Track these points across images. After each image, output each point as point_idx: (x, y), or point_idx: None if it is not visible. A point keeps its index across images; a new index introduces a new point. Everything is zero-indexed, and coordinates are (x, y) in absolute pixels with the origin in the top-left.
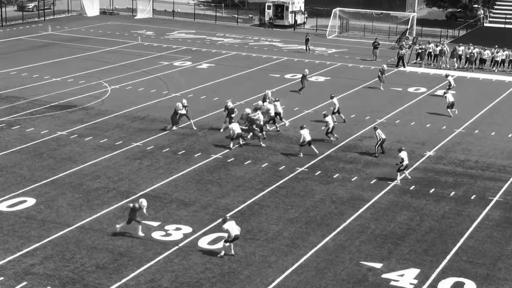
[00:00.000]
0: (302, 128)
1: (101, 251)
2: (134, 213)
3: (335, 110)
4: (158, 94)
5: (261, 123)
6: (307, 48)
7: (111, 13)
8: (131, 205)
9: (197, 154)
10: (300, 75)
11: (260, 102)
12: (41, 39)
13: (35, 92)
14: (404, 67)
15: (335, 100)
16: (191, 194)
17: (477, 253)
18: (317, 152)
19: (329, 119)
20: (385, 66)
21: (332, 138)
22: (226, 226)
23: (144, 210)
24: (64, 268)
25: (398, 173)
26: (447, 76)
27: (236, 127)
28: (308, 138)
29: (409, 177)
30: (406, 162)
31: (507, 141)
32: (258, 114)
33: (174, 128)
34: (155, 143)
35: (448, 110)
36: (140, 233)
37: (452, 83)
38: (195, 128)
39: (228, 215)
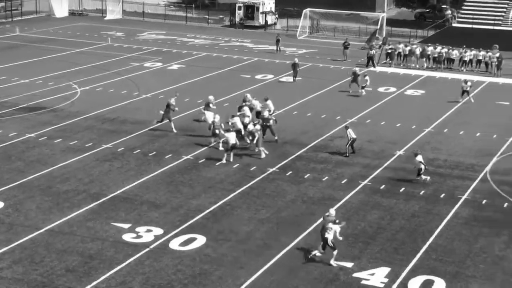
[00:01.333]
0: (228, 131)
1: (71, 254)
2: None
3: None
4: (129, 95)
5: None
6: (278, 49)
7: (80, 14)
8: (338, 226)
9: (168, 155)
10: (271, 76)
11: (248, 95)
12: (8, 40)
13: (3, 93)
14: (374, 67)
15: (269, 102)
16: (162, 195)
17: (446, 251)
18: (230, 160)
19: (236, 119)
20: (357, 69)
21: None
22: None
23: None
24: (33, 271)
25: (421, 176)
26: (466, 82)
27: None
28: (232, 141)
29: (427, 180)
30: (422, 165)
31: (475, 140)
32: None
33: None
34: (126, 144)
35: (362, 90)
36: (333, 263)
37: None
38: (175, 131)
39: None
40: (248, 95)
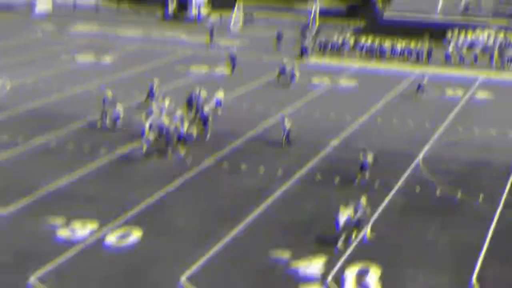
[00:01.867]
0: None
1: (4, 252)
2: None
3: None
4: (61, 89)
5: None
6: (212, 41)
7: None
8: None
9: (103, 149)
10: (205, 68)
11: (196, 90)
12: None
13: None
14: (308, 58)
15: (219, 93)
16: (98, 190)
17: (382, 239)
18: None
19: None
20: (285, 62)
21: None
22: None
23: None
24: None
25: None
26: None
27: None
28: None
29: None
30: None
31: (408, 128)
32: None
33: None
34: (60, 139)
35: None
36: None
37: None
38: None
39: None
40: (197, 90)
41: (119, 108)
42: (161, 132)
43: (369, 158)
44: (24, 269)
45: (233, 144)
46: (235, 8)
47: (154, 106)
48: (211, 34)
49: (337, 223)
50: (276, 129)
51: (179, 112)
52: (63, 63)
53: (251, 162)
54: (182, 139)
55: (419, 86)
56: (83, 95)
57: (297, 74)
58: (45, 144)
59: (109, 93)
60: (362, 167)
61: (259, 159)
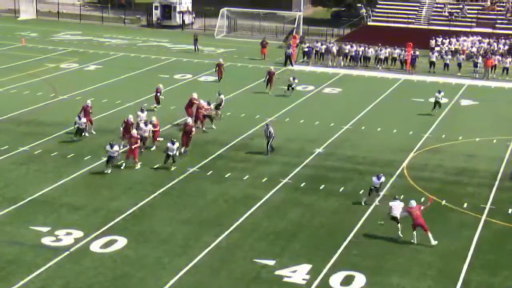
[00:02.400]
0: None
1: None
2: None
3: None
4: (45, 97)
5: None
6: (196, 48)
7: None
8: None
9: (86, 157)
10: (189, 75)
11: (194, 94)
12: None
13: None
14: (292, 65)
15: (222, 96)
16: (82, 197)
17: (366, 246)
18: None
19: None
20: (272, 68)
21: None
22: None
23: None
24: None
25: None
26: (439, 92)
27: None
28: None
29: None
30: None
31: (392, 136)
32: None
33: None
34: (43, 147)
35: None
36: (433, 241)
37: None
38: (94, 132)
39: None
40: (194, 94)
41: (83, 118)
42: (144, 142)
43: (382, 179)
44: (8, 277)
45: (217, 152)
46: (219, 15)
47: (130, 117)
48: (196, 42)
49: (396, 218)
50: (260, 136)
51: (154, 119)
52: (47, 70)
53: (236, 170)
54: (171, 155)
55: (437, 103)
56: (67, 103)
57: (295, 84)
58: (29, 152)
59: (88, 102)
60: (375, 189)
61: (243, 166)
